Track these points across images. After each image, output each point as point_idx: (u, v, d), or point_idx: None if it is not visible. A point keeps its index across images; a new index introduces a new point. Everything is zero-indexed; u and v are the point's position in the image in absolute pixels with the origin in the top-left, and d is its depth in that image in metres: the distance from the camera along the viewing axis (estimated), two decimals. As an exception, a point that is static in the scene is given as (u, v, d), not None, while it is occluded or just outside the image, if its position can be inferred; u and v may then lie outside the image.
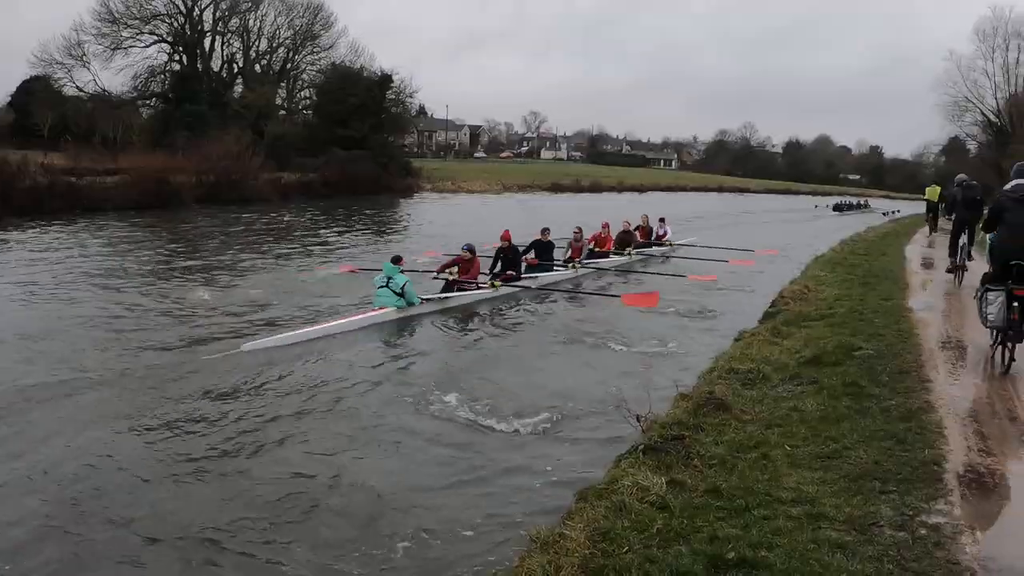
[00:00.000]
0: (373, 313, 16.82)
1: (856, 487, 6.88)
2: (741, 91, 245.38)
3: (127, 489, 8.46)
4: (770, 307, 17.45)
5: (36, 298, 18.32)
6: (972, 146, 78.36)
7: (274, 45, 77.33)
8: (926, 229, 38.70)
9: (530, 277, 21.51)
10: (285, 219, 41.81)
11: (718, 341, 15.29)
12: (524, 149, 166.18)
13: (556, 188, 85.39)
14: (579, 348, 15.47)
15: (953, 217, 21.96)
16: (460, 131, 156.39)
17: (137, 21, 68.24)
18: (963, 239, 19.29)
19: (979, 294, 11.15)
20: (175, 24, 70.65)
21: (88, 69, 67.22)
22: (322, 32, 77.30)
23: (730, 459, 7.64)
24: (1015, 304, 10.41)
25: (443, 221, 43.18)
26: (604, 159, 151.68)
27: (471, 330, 17.15)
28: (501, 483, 8.88)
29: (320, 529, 7.73)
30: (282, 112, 76.76)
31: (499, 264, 20.92)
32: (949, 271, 19.88)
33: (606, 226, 27.09)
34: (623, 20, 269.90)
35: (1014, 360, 10.69)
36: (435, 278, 19.52)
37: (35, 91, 64.68)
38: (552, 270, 22.90)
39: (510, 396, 11.99)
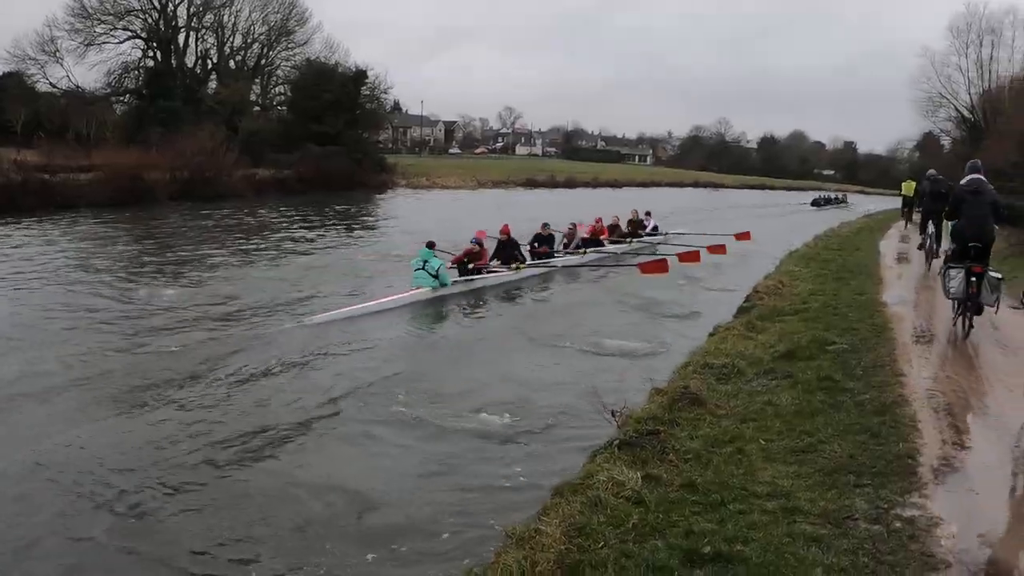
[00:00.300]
0: (412, 292, 18.87)
1: (831, 481, 6.90)
2: (716, 87, 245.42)
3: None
4: (744, 302, 17.49)
5: (18, 293, 18.33)
6: (946, 142, 78.59)
7: (248, 41, 76.83)
8: (901, 224, 38.95)
9: (534, 264, 23.77)
10: (262, 216, 41.48)
11: (693, 336, 15.34)
12: (499, 145, 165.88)
13: (531, 184, 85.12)
14: (555, 341, 15.55)
15: (921, 209, 24.80)
16: (435, 127, 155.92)
17: (111, 17, 67.55)
18: (931, 227, 21.54)
19: (943, 271, 13.24)
20: (149, 20, 70.01)
21: (61, 65, 66.61)
22: (296, 28, 76.80)
23: (705, 454, 7.65)
24: (972, 279, 12.21)
25: (418, 217, 43.05)
26: (579, 155, 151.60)
27: (477, 314, 18.95)
28: (475, 479, 8.88)
29: (294, 528, 7.71)
30: (256, 108, 76.17)
31: (502, 253, 22.77)
32: (920, 247, 23.19)
33: (598, 220, 29.59)
34: (599, 16, 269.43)
35: (972, 327, 12.44)
36: (450, 267, 20.81)
37: (7, 88, 64.05)
38: (553, 258, 25.18)
39: (486, 391, 12.04)
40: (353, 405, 11.32)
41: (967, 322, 12.47)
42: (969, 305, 12.38)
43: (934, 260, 20.33)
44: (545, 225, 25.83)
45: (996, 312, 12.56)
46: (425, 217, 43.16)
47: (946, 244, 16.85)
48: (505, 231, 23.13)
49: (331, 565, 7.09)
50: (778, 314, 14.93)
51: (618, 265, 24.51)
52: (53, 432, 9.95)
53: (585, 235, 27.98)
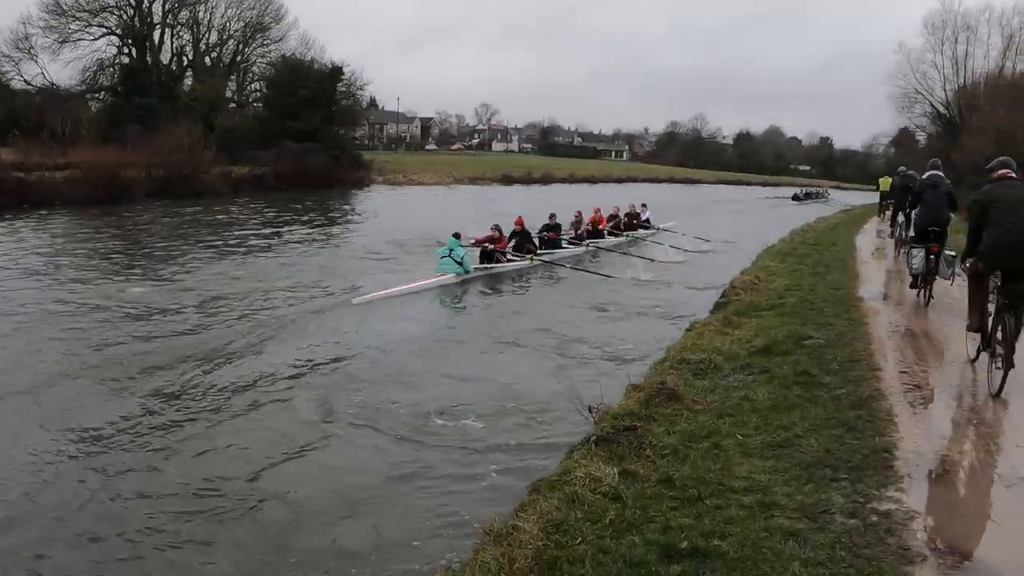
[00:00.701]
0: (439, 278, 21.26)
1: (808, 475, 6.90)
2: (692, 83, 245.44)
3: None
4: (721, 298, 17.53)
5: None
6: (922, 137, 78.94)
7: (224, 37, 76.33)
8: (877, 219, 39.19)
9: (547, 252, 26.36)
10: (241, 213, 41.40)
11: (669, 332, 15.40)
12: (475, 141, 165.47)
13: (507, 180, 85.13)
14: (534, 336, 15.68)
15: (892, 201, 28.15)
16: (411, 123, 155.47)
17: (85, 14, 66.92)
18: (900, 217, 23.33)
19: (907, 250, 16.57)
20: (124, 16, 69.39)
21: (36, 62, 65.82)
22: (272, 24, 76.38)
23: (682, 449, 7.64)
24: (931, 257, 14.63)
25: (395, 214, 43.02)
26: (555, 151, 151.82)
27: (485, 303, 20.38)
28: (451, 476, 8.90)
29: (268, 526, 7.70)
30: (232, 105, 75.75)
31: (516, 242, 25.35)
32: (891, 236, 26.23)
33: (597, 211, 32.56)
34: (575, 12, 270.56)
35: (932, 297, 15.13)
36: (472, 246, 23.68)
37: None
38: (562, 246, 27.87)
39: (463, 389, 12.11)
40: (332, 401, 11.32)
41: (927, 293, 15.20)
42: (928, 278, 14.98)
43: (903, 247, 21.18)
44: (552, 215, 28.54)
45: (951, 284, 14.83)
46: (405, 214, 43.38)
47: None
48: (519, 222, 26.00)
49: (307, 567, 7.08)
50: (755, 309, 14.97)
51: (615, 255, 27.85)
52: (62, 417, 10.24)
53: (587, 225, 30.76)
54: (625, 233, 33.23)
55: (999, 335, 9.40)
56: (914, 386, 9.69)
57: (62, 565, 7.12)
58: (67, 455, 9.38)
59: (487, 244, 24.10)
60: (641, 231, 34.79)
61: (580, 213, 30.92)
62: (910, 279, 15.57)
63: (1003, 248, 9.56)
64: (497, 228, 24.64)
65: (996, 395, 9.20)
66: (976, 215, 10.01)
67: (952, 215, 15.27)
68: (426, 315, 18.14)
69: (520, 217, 26.54)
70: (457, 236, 22.24)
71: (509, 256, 24.62)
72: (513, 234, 25.52)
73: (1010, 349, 9.12)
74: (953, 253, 13.77)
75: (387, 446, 9.85)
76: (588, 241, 29.63)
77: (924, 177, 15.87)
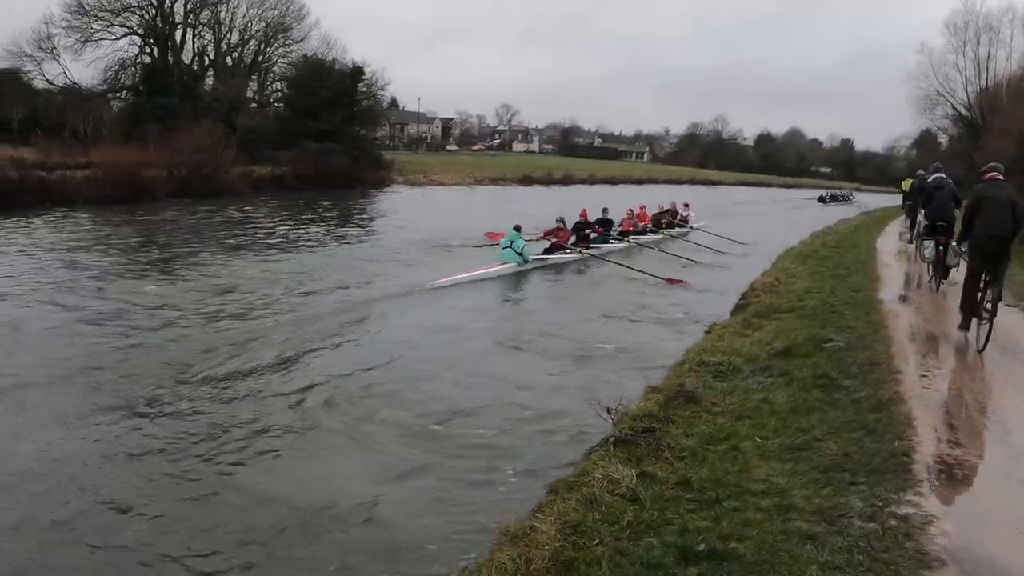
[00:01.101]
0: (500, 267, 22.93)
1: (826, 478, 6.89)
2: (713, 84, 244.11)
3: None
4: (741, 299, 17.50)
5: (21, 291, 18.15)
6: (944, 139, 78.54)
7: (245, 37, 76.44)
8: (900, 220, 39.12)
9: (595, 247, 27.78)
10: (266, 212, 41.45)
11: (689, 333, 15.39)
12: (496, 142, 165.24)
13: (528, 181, 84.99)
14: (558, 334, 15.71)
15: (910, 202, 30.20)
16: (432, 124, 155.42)
17: (107, 13, 67.10)
18: (919, 217, 23.67)
19: (919, 243, 19.31)
20: (146, 16, 69.55)
21: (58, 62, 66.01)
22: (293, 24, 76.44)
23: (700, 451, 7.64)
24: (940, 248, 16.68)
25: (416, 215, 42.95)
26: (576, 151, 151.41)
27: (535, 296, 21.49)
28: (470, 477, 8.89)
29: (284, 528, 7.74)
30: (253, 105, 75.81)
31: (577, 235, 27.59)
32: (909, 238, 27.71)
33: (643, 208, 34.85)
34: (595, 13, 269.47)
35: (942, 282, 17.10)
36: (539, 240, 26.43)
37: (5, 85, 63.86)
38: (610, 241, 29.51)
39: (475, 390, 12.11)
40: (350, 397, 11.36)
41: (938, 280, 17.27)
42: (938, 267, 17.07)
43: (919, 240, 22.06)
44: (605, 210, 30.49)
45: (957, 270, 16.21)
46: (429, 214, 43.46)
47: None
48: (583, 215, 28.98)
49: (321, 569, 7.11)
50: (774, 311, 14.93)
51: (654, 251, 29.18)
52: (77, 421, 10.19)
53: (633, 221, 32.88)
54: (664, 231, 34.41)
55: (987, 304, 11.74)
56: (934, 390, 9.65)
57: (72, 559, 7.18)
58: (83, 446, 9.49)
59: (551, 237, 26.41)
60: (677, 229, 35.93)
61: (631, 210, 33.42)
62: (927, 268, 18.21)
63: (988, 237, 11.92)
64: (561, 221, 27.10)
65: (982, 349, 11.52)
66: (971, 208, 12.26)
67: (957, 211, 16.96)
68: (462, 309, 18.26)
69: (584, 210, 29.49)
70: (518, 229, 24.09)
71: (567, 248, 26.47)
72: (576, 227, 27.93)
73: (993, 312, 11.54)
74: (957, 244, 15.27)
75: (402, 445, 9.84)
76: (631, 237, 31.06)
77: (930, 180, 18.31)
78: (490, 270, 22.60)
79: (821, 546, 5.68)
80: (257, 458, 9.45)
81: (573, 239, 27.29)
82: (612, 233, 30.22)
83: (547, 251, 25.85)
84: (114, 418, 10.51)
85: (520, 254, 23.42)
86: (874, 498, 6.47)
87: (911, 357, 11.16)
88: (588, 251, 26.84)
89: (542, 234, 26.80)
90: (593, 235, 28.50)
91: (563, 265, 25.53)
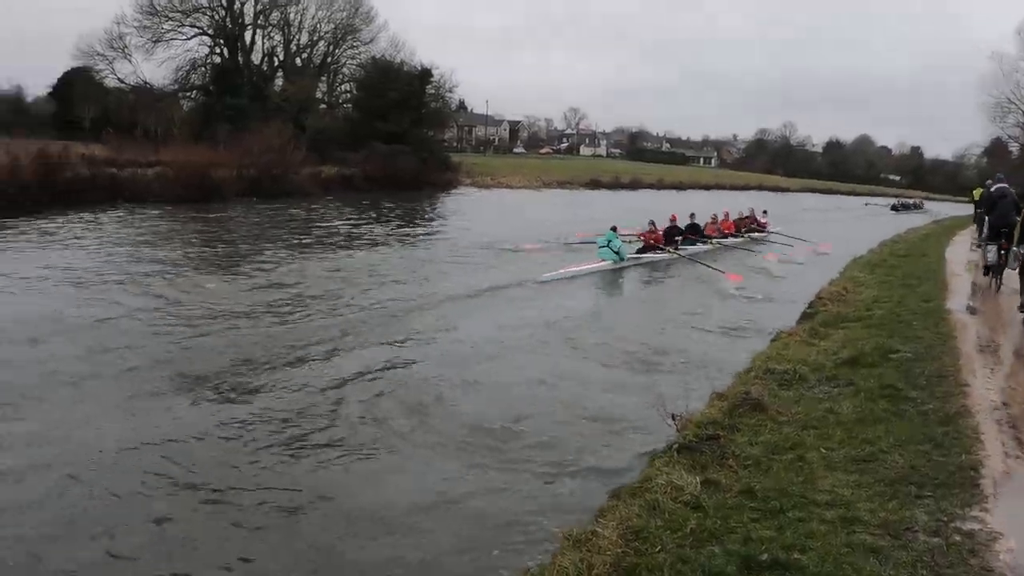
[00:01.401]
0: (598, 264, 25.12)
1: (891, 491, 6.85)
2: (781, 90, 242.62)
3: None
4: (808, 308, 17.39)
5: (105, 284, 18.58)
6: (1015, 148, 77.02)
7: (314, 39, 77.05)
8: (969, 229, 38.63)
9: (683, 248, 29.54)
10: (338, 212, 42.01)
11: (756, 341, 15.31)
12: (563, 145, 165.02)
13: (595, 184, 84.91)
14: (626, 336, 15.92)
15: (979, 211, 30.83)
16: (500, 126, 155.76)
17: (178, 14, 68.06)
18: (985, 225, 24.44)
19: (983, 247, 20.91)
20: (216, 17, 70.50)
21: (130, 61, 67.13)
22: (362, 26, 77.01)
23: (765, 460, 7.63)
24: (1001, 252, 18.12)
25: (488, 217, 43.23)
26: (644, 156, 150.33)
27: (628, 292, 23.84)
28: (534, 482, 8.93)
29: (341, 532, 7.83)
30: (322, 106, 76.40)
31: (668, 237, 29.35)
32: (977, 246, 28.75)
33: (727, 213, 36.30)
34: (665, 18, 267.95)
35: (1001, 284, 18.31)
36: (633, 241, 28.11)
37: (77, 84, 65.10)
38: (697, 244, 31.00)
39: (552, 391, 12.21)
40: (415, 400, 11.47)
41: (997, 281, 18.68)
42: (999, 269, 18.47)
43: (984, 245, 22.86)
44: (692, 215, 32.80)
45: (1016, 271, 15.98)
46: (499, 216, 44.06)
47: None
48: (673, 219, 30.89)
49: (388, 570, 7.20)
50: (842, 320, 14.83)
51: (738, 252, 31.37)
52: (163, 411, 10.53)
53: (716, 226, 34.36)
54: (746, 234, 36.32)
55: None
56: (1001, 403, 9.53)
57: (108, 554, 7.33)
58: (148, 433, 9.80)
59: (645, 238, 28.51)
60: (757, 234, 37.63)
61: (715, 215, 34.96)
62: (983, 268, 19.93)
63: None
64: (652, 223, 29.10)
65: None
66: None
67: (1018, 218, 17.13)
68: (540, 308, 18.74)
69: (674, 214, 31.55)
70: (614, 229, 26.08)
71: (659, 248, 28.46)
72: (667, 230, 29.72)
73: None
74: (1018, 248, 16.06)
75: (468, 445, 9.92)
76: (715, 240, 32.58)
77: (993, 189, 19.88)
78: (591, 266, 24.76)
79: (885, 560, 5.65)
80: (318, 454, 9.59)
81: (664, 240, 29.17)
82: (698, 237, 31.76)
83: (640, 250, 27.88)
84: (175, 408, 10.85)
85: (617, 252, 25.41)
86: (940, 512, 6.42)
87: (979, 369, 11.01)
88: (678, 251, 28.79)
89: (638, 235, 28.75)
90: (681, 239, 30.04)
91: (655, 264, 27.54)
